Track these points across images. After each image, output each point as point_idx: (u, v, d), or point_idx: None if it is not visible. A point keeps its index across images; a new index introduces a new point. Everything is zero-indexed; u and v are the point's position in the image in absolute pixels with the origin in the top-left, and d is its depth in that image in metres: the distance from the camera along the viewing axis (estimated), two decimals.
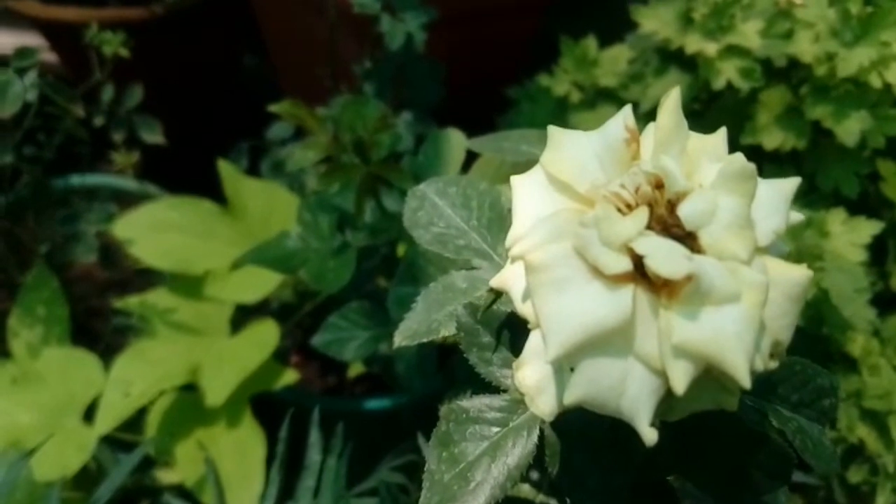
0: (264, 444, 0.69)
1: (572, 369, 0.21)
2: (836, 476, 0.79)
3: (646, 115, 0.85)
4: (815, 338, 0.77)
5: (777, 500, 0.28)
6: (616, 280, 0.21)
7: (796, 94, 0.82)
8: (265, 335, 0.72)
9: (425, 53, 0.85)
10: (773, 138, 0.81)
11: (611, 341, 0.21)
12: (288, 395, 0.79)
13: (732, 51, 0.79)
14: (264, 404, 0.77)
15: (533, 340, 0.24)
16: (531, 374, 0.23)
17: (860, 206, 0.82)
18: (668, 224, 0.21)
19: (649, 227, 0.21)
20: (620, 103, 0.88)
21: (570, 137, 0.25)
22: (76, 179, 0.99)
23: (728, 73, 0.79)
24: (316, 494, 0.43)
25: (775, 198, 0.22)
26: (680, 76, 0.84)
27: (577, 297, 0.21)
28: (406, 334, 0.32)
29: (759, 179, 0.23)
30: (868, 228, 0.76)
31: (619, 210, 0.22)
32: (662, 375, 0.21)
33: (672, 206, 0.21)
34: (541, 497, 0.33)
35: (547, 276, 0.21)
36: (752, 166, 0.21)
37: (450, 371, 0.57)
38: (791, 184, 0.23)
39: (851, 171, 0.83)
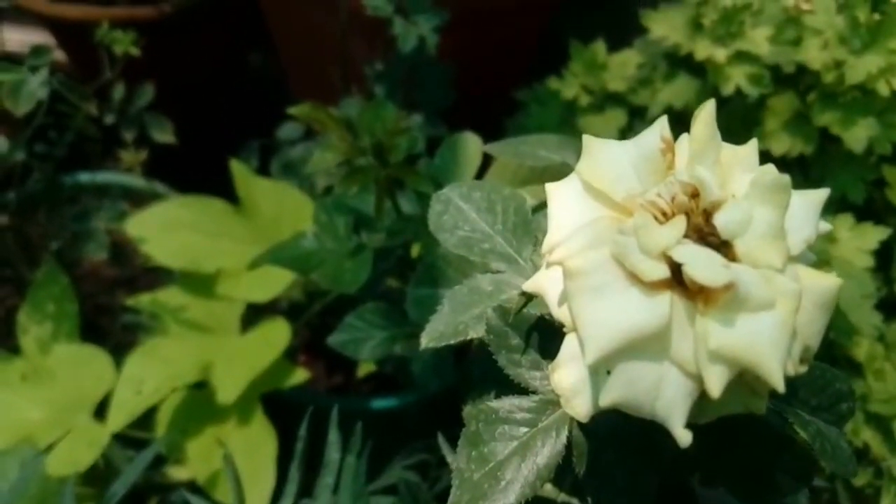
0: (275, 442, 0.70)
1: (608, 372, 0.22)
2: (840, 479, 0.80)
3: (653, 121, 0.85)
4: (822, 343, 0.77)
5: (798, 502, 0.28)
6: (654, 287, 0.21)
7: (804, 100, 0.83)
8: (276, 334, 0.72)
9: (435, 56, 0.86)
10: (780, 144, 0.82)
11: (647, 346, 0.22)
12: (295, 393, 0.79)
13: (741, 57, 0.80)
14: (271, 402, 0.77)
15: (569, 344, 0.24)
16: (567, 376, 0.24)
17: (866, 212, 0.83)
18: (704, 233, 0.22)
19: (686, 235, 0.22)
20: (629, 108, 0.89)
21: (605, 147, 0.25)
22: (85, 177, 0.99)
23: (737, 80, 0.80)
24: (335, 492, 0.43)
25: (806, 208, 0.23)
26: (689, 82, 0.84)
27: (616, 303, 0.22)
28: (433, 336, 0.33)
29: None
30: (875, 234, 0.77)
31: (656, 218, 0.22)
32: (697, 379, 0.21)
33: (708, 215, 0.22)
34: (562, 496, 0.34)
35: (586, 282, 0.22)
36: (786, 178, 0.21)
37: (465, 371, 0.58)
38: (820, 195, 0.23)
39: (858, 178, 0.83)
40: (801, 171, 0.85)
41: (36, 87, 0.79)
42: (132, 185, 1.01)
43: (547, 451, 0.27)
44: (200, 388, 0.74)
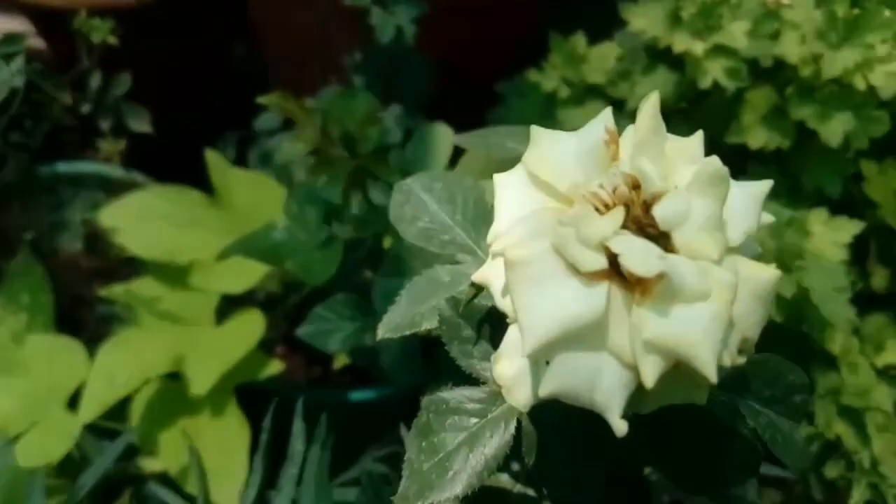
0: (248, 433, 0.70)
1: (548, 363, 0.22)
2: (812, 471, 0.80)
3: (633, 113, 0.85)
4: (795, 335, 0.78)
5: (746, 493, 0.28)
6: (592, 277, 0.21)
7: (782, 94, 0.83)
8: (251, 325, 0.72)
9: (417, 48, 0.85)
10: (757, 138, 0.82)
11: (585, 336, 0.22)
12: (273, 385, 0.79)
13: (719, 50, 0.80)
14: (249, 394, 0.77)
15: (511, 334, 0.24)
16: (509, 366, 0.24)
17: (843, 206, 0.84)
18: (643, 224, 0.22)
19: (625, 226, 0.22)
20: (608, 100, 0.89)
21: (551, 137, 0.25)
22: (63, 167, 0.98)
23: (714, 73, 0.80)
24: (299, 483, 0.43)
25: (747, 200, 0.23)
26: (668, 75, 0.84)
27: (554, 293, 0.21)
28: (389, 327, 0.33)
29: (732, 182, 0.24)
30: (849, 228, 0.78)
31: (598, 210, 0.22)
32: (634, 370, 0.21)
33: (648, 206, 0.22)
34: (518, 487, 0.34)
35: (526, 273, 0.22)
36: (725, 170, 0.21)
37: (434, 363, 0.58)
38: (763, 186, 0.24)
39: (835, 172, 0.84)
40: (778, 165, 0.85)
41: (10, 75, 0.79)
42: (111, 175, 1.00)
43: (495, 442, 0.27)
44: (175, 380, 0.73)
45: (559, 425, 0.28)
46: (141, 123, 0.87)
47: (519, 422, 0.28)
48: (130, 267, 0.94)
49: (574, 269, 0.21)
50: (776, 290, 0.22)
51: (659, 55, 0.85)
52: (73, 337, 0.80)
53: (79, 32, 0.89)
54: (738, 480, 0.27)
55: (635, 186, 0.22)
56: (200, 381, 0.68)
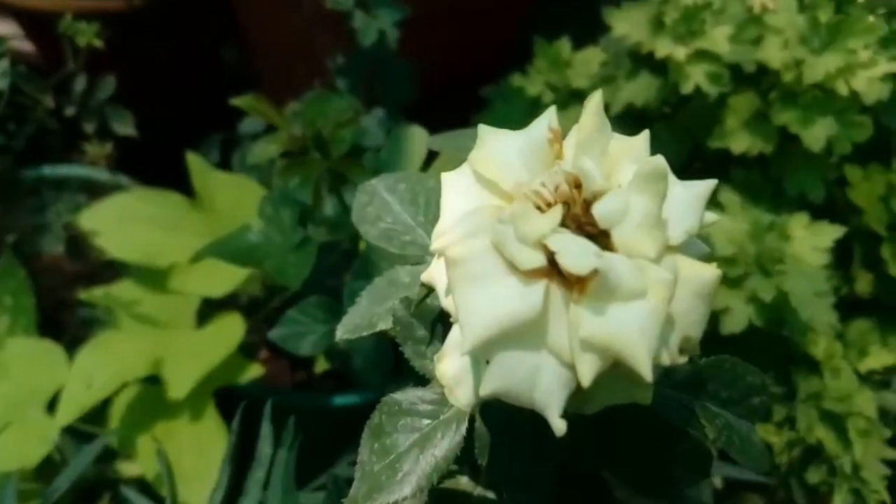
0: (226, 438, 0.69)
1: (488, 362, 0.22)
2: (795, 477, 0.80)
3: (615, 118, 0.85)
4: (777, 339, 0.78)
5: (701, 495, 0.28)
6: (531, 275, 0.21)
7: (765, 99, 0.83)
8: (230, 329, 0.72)
9: (404, 52, 0.86)
10: (740, 143, 0.82)
11: (525, 335, 0.22)
12: (255, 390, 0.79)
13: (701, 55, 0.80)
14: (234, 399, 0.77)
15: (454, 334, 0.24)
16: (451, 366, 0.24)
17: (827, 212, 0.84)
18: (582, 222, 0.22)
19: (565, 225, 0.22)
20: None
21: (497, 136, 0.25)
22: (48, 170, 0.98)
23: (696, 78, 0.80)
24: (266, 487, 0.43)
25: (690, 199, 0.23)
26: (651, 80, 0.84)
27: (493, 291, 0.21)
28: (348, 328, 0.33)
29: (676, 181, 0.24)
30: (830, 233, 0.78)
31: (539, 208, 0.22)
32: (573, 369, 0.21)
33: (588, 205, 0.22)
34: (479, 490, 0.34)
35: (465, 271, 0.22)
36: (664, 167, 0.21)
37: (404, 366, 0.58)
38: (706, 186, 0.23)
39: (818, 177, 0.84)
40: (761, 170, 0.85)
41: None
42: (96, 178, 1.00)
43: (446, 444, 0.27)
44: (154, 384, 0.73)
45: (510, 426, 0.27)
46: (125, 127, 0.87)
47: (472, 423, 0.28)
48: (113, 270, 0.94)
49: (513, 268, 0.21)
50: (717, 288, 0.22)
51: (642, 60, 0.85)
52: (55, 340, 0.80)
53: (64, 35, 0.89)
54: (690, 481, 0.27)
55: (577, 185, 0.22)
56: (179, 385, 0.68)
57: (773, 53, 0.80)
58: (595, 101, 0.23)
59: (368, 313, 0.32)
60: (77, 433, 0.74)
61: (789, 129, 0.80)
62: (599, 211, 0.21)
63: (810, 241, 0.75)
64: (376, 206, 0.36)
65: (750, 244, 0.73)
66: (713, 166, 0.89)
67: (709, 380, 0.30)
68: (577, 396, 0.23)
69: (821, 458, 0.78)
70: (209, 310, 0.78)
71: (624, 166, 0.23)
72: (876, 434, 0.79)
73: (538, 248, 0.21)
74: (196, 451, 0.67)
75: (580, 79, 0.88)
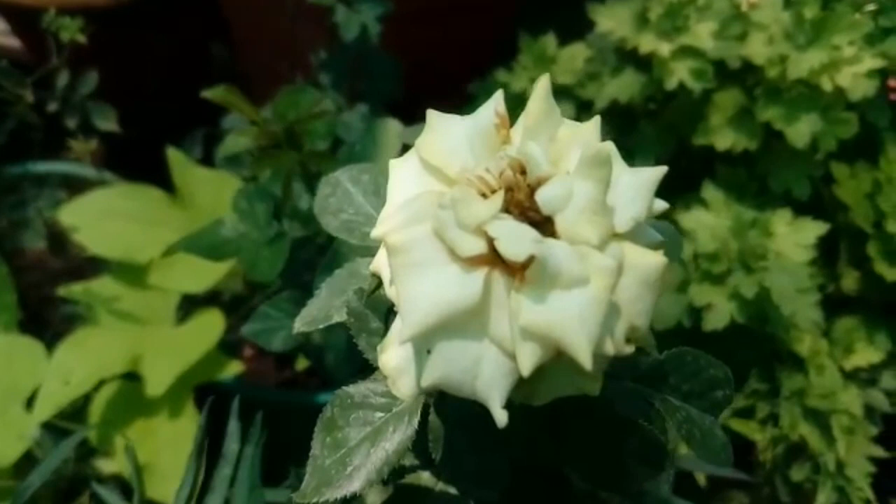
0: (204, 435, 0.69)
1: (429, 351, 0.22)
2: (779, 474, 0.80)
3: (600, 113, 0.85)
4: (762, 336, 0.77)
5: (659, 488, 0.28)
6: (472, 262, 0.21)
7: (750, 95, 0.83)
8: (210, 326, 0.71)
9: (390, 48, 0.85)
10: (725, 139, 0.81)
11: (466, 323, 0.21)
12: (238, 387, 0.78)
13: (685, 51, 0.80)
14: (219, 397, 0.76)
15: (397, 323, 0.24)
16: (393, 356, 0.23)
17: (813, 209, 0.83)
18: (525, 208, 0.21)
19: (508, 211, 0.21)
20: (577, 101, 0.89)
21: (445, 122, 0.25)
22: (33, 166, 0.98)
23: (680, 74, 0.79)
24: (232, 484, 0.43)
25: (637, 185, 0.22)
26: (635, 76, 0.84)
27: (433, 279, 0.21)
28: (305, 320, 0.32)
29: (624, 168, 0.23)
30: (814, 229, 0.77)
31: (483, 194, 0.22)
32: (515, 358, 0.21)
33: (533, 191, 0.21)
34: (440, 485, 0.33)
35: (406, 258, 0.21)
36: (606, 152, 0.21)
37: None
38: (655, 172, 0.23)
39: (803, 173, 0.83)
40: (746, 167, 0.85)
41: None
42: (81, 174, 0.99)
43: (397, 437, 0.26)
44: (134, 380, 0.73)
45: (464, 419, 0.27)
46: (107, 122, 0.87)
47: (426, 416, 0.28)
48: (98, 266, 0.93)
49: (454, 255, 0.21)
50: (664, 276, 0.21)
51: (627, 56, 0.85)
52: (38, 336, 0.79)
53: (48, 31, 0.88)
54: (646, 475, 0.26)
55: (522, 171, 0.22)
56: (157, 382, 0.67)
57: (758, 49, 0.80)
58: (542, 85, 0.23)
59: (326, 305, 0.32)
60: (58, 430, 0.73)
61: (773, 125, 0.80)
62: (542, 197, 0.21)
63: (793, 238, 0.74)
64: (339, 197, 0.36)
65: (732, 240, 0.72)
66: (699, 163, 0.89)
67: (670, 373, 0.30)
68: (524, 387, 0.22)
69: (805, 456, 0.78)
70: (191, 306, 0.78)
71: (573, 152, 0.23)
72: (861, 431, 0.79)
73: (479, 234, 0.21)
74: (174, 448, 0.67)
75: (565, 75, 0.88)
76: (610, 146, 0.23)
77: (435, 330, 0.21)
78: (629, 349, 0.22)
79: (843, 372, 0.82)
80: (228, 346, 0.82)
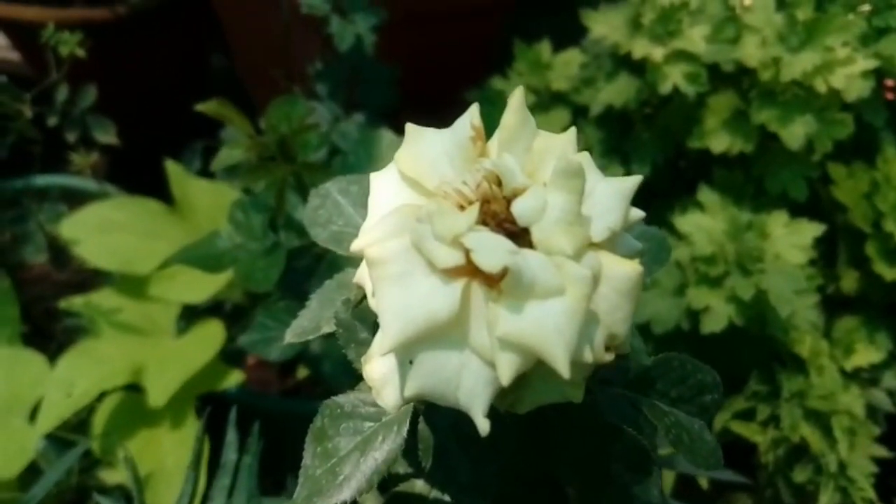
0: (207, 445, 0.69)
1: (412, 362, 0.22)
2: (781, 476, 0.80)
3: (595, 119, 0.85)
4: (760, 338, 0.77)
5: (648, 493, 0.28)
6: (450, 274, 0.21)
7: (744, 98, 0.83)
8: (210, 336, 0.72)
9: (385, 55, 0.86)
10: (720, 142, 0.82)
11: (446, 334, 0.21)
12: (240, 396, 0.79)
13: (679, 56, 0.80)
14: (222, 407, 0.77)
15: (379, 334, 0.24)
16: (378, 367, 0.24)
17: (811, 210, 0.83)
18: (502, 220, 0.22)
19: (485, 223, 0.22)
20: (572, 107, 0.89)
21: (423, 135, 0.25)
22: (36, 180, 0.99)
23: (674, 78, 0.80)
24: (231, 494, 0.43)
25: (613, 196, 0.23)
26: (630, 81, 0.84)
27: (412, 291, 0.21)
28: (296, 331, 0.32)
29: (600, 178, 0.24)
30: (810, 230, 0.77)
31: (461, 206, 0.22)
32: (495, 367, 0.21)
33: (509, 202, 0.22)
34: (434, 493, 0.34)
35: (386, 270, 0.22)
36: (579, 164, 0.21)
37: None
38: (630, 182, 0.23)
39: (799, 175, 0.83)
40: (742, 169, 0.85)
41: None
42: (82, 187, 1.00)
43: (387, 447, 0.27)
44: (137, 391, 0.73)
45: (454, 427, 0.27)
46: (106, 135, 0.87)
47: (416, 425, 0.28)
48: (102, 279, 0.94)
49: (433, 267, 0.21)
50: (641, 285, 0.22)
51: (621, 61, 0.85)
52: (42, 349, 0.80)
53: (47, 45, 0.89)
54: (633, 480, 0.27)
55: (498, 183, 0.22)
56: (159, 393, 0.68)
57: (751, 52, 0.80)
58: (517, 97, 0.23)
59: (317, 316, 0.32)
60: (61, 442, 0.74)
61: (768, 127, 0.80)
62: (518, 208, 0.21)
63: (790, 239, 0.74)
64: (328, 208, 0.36)
65: (729, 243, 0.73)
66: (695, 166, 0.89)
67: (658, 378, 0.30)
68: (509, 396, 0.22)
69: (807, 457, 0.78)
70: (192, 317, 0.78)
71: (549, 163, 0.23)
72: (862, 432, 0.79)
73: (456, 246, 0.21)
74: (177, 458, 0.67)
75: (560, 81, 0.88)
76: (584, 157, 0.23)
77: (415, 341, 0.21)
78: (609, 357, 0.22)
79: (844, 372, 0.82)
80: (231, 355, 0.83)
